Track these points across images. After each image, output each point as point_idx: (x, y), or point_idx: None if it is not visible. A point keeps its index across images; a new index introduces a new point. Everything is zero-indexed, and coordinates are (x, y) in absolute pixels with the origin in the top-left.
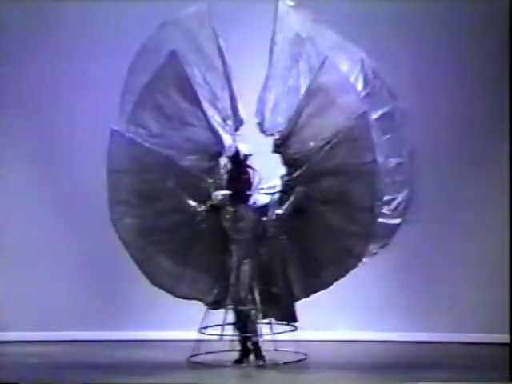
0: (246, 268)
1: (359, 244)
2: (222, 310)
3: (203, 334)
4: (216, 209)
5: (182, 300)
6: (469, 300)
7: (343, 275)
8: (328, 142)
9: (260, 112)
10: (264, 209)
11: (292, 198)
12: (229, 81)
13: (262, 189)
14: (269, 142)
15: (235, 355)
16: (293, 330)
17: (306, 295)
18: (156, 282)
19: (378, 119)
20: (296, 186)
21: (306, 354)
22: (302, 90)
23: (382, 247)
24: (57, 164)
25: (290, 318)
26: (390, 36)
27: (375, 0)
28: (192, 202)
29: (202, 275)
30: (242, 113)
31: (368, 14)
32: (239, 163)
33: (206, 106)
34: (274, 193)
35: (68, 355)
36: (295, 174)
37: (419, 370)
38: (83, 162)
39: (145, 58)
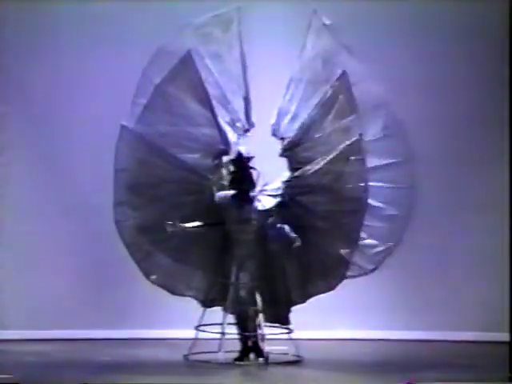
0: (248, 268)
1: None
2: (220, 309)
3: (200, 331)
4: (211, 225)
5: (182, 298)
6: (468, 298)
7: (336, 284)
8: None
9: (278, 118)
10: (268, 212)
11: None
12: (246, 85)
13: (266, 191)
14: (275, 144)
15: (235, 353)
16: (288, 332)
17: (303, 300)
18: (154, 280)
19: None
20: (295, 192)
21: (301, 357)
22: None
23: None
24: (58, 164)
25: (283, 321)
26: (390, 36)
27: (375, 0)
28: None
29: (199, 273)
30: (254, 117)
31: (368, 14)
32: (242, 165)
33: (215, 106)
34: (276, 195)
35: (67, 354)
36: (296, 174)
37: (419, 369)
38: (84, 162)
39: (160, 62)
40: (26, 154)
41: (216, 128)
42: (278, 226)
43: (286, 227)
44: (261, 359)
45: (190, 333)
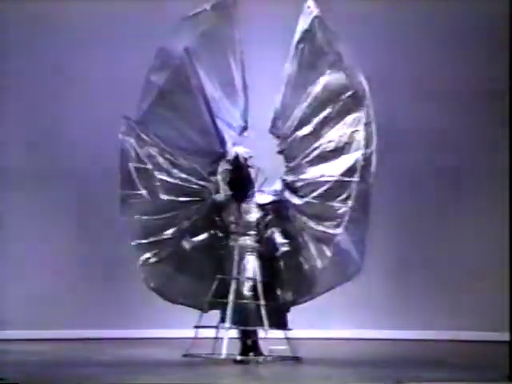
0: (249, 262)
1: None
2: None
3: (198, 329)
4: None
5: None
6: (468, 298)
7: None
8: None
9: (277, 115)
10: (266, 207)
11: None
12: (245, 84)
13: (264, 192)
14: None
15: (234, 352)
16: (288, 329)
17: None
18: (153, 288)
19: None
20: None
21: (301, 355)
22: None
23: None
24: (57, 164)
25: (281, 325)
26: (389, 36)
27: (375, 0)
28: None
29: (198, 281)
30: (253, 113)
31: (368, 14)
32: (240, 165)
33: (213, 106)
34: (275, 195)
35: (67, 354)
36: (291, 164)
37: (419, 369)
38: (83, 162)
39: (161, 63)
40: (25, 154)
41: (214, 130)
42: (270, 230)
43: (277, 233)
44: (260, 358)
45: (190, 332)
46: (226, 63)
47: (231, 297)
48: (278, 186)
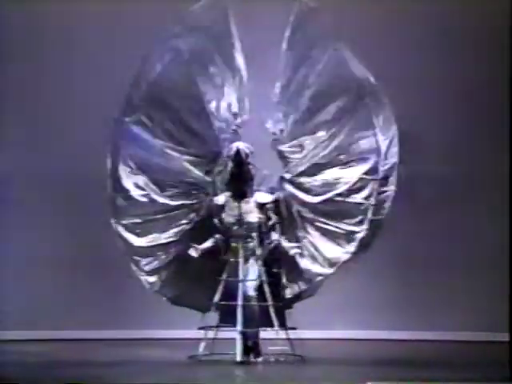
0: (253, 265)
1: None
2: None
3: (205, 330)
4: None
5: None
6: (468, 298)
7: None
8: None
9: (272, 111)
10: (266, 206)
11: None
12: (241, 80)
13: (261, 190)
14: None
15: (235, 353)
16: (292, 328)
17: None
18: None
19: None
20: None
21: (303, 357)
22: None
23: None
24: (57, 163)
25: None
26: (389, 36)
27: (375, 0)
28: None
29: (199, 283)
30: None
31: (368, 13)
32: (241, 161)
33: (209, 105)
34: (272, 192)
35: (67, 354)
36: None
37: (419, 369)
38: (83, 162)
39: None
40: (26, 154)
41: (208, 131)
42: (274, 240)
43: (282, 240)
44: (260, 359)
45: (190, 333)
46: (224, 59)
47: (239, 300)
48: (275, 183)
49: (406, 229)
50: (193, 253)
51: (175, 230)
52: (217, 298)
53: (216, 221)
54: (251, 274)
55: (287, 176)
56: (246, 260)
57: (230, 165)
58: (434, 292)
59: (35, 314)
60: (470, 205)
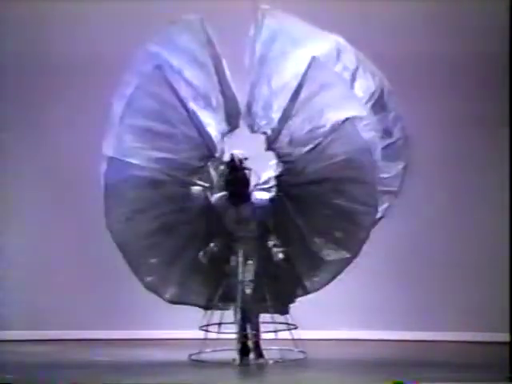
0: (252, 264)
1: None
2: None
3: (205, 331)
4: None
5: None
6: (468, 298)
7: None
8: (319, 144)
9: (250, 110)
10: (265, 208)
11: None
12: (228, 85)
13: (258, 185)
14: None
15: (235, 354)
16: (294, 328)
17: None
18: (148, 286)
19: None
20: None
21: (305, 353)
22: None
23: None
24: (57, 163)
25: (282, 310)
26: (389, 36)
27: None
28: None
29: (199, 278)
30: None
31: (367, 13)
32: (236, 168)
33: (196, 107)
34: (269, 187)
35: (67, 354)
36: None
37: (418, 369)
38: (83, 162)
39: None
40: (26, 154)
41: (197, 130)
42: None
43: (271, 242)
44: (261, 359)
45: (191, 333)
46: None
47: (238, 300)
48: (270, 173)
49: (406, 229)
50: (203, 259)
51: (172, 230)
52: (216, 298)
53: (215, 224)
54: (250, 274)
55: (284, 177)
56: (246, 260)
57: (226, 170)
58: (434, 292)
59: (35, 314)
60: (469, 205)
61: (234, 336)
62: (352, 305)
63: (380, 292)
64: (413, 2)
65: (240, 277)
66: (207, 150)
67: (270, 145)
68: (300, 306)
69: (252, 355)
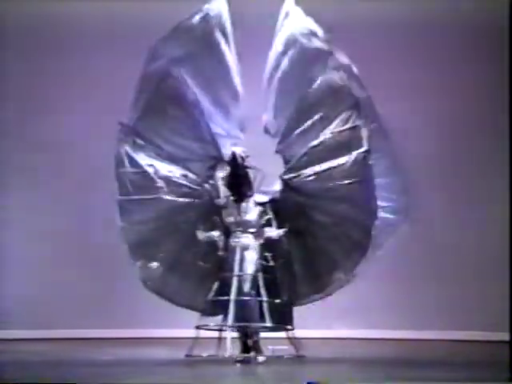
0: (250, 261)
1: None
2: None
3: (199, 329)
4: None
5: None
6: (469, 298)
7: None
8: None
9: (268, 113)
10: (265, 205)
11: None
12: (237, 90)
13: (262, 192)
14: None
15: (234, 352)
16: (290, 329)
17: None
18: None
19: None
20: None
21: (304, 354)
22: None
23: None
24: (57, 164)
25: (284, 323)
26: (389, 37)
27: (374, 1)
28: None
29: (193, 282)
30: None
31: (367, 13)
32: (237, 165)
33: (205, 115)
34: (273, 194)
35: (68, 353)
36: (291, 163)
37: (419, 368)
38: (84, 163)
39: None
40: (27, 153)
41: (209, 137)
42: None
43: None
44: (261, 358)
45: (190, 332)
46: (220, 69)
47: (233, 294)
48: (278, 186)
49: (406, 229)
50: (200, 235)
51: (177, 233)
52: (211, 295)
53: (217, 220)
54: (248, 270)
55: (287, 177)
56: (243, 257)
57: (228, 169)
58: (435, 292)
59: (35, 314)
60: (469, 205)
61: (233, 335)
62: (352, 304)
63: (380, 292)
64: (413, 3)
65: (236, 271)
66: (216, 159)
67: (279, 147)
68: (300, 306)
69: (252, 353)
